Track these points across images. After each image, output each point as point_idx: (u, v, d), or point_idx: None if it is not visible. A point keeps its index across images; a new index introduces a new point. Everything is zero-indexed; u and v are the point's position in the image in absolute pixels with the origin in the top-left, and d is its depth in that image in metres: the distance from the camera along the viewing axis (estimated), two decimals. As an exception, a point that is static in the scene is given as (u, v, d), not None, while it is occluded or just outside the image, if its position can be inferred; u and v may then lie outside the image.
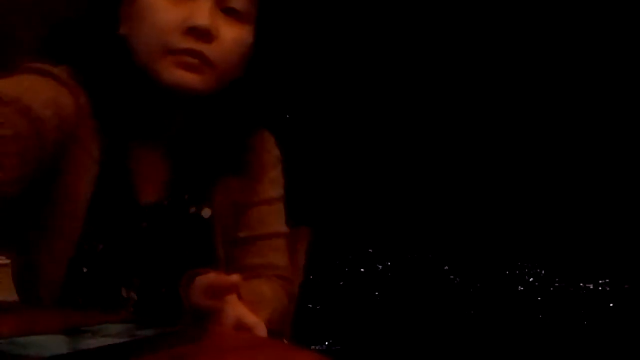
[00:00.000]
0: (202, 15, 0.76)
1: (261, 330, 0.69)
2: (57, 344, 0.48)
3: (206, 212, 0.86)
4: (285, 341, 0.85)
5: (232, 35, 0.79)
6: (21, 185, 0.68)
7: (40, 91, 0.72)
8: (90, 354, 0.46)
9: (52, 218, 0.75)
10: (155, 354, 0.50)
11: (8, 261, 0.83)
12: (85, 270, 0.77)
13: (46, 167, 0.72)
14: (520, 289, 13.43)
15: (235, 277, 0.68)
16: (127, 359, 0.47)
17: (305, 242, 1.34)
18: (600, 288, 12.97)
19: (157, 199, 0.83)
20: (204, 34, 0.77)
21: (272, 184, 0.93)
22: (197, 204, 0.85)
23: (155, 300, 0.82)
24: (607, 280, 12.94)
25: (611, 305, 12.60)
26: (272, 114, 0.94)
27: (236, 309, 0.69)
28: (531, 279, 13.54)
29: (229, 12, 0.79)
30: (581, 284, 13.01)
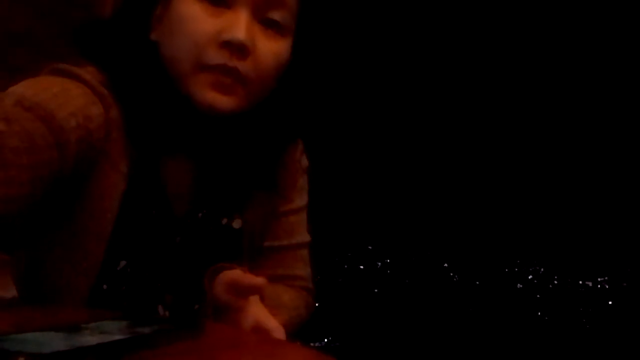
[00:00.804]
0: (239, 28, 0.72)
1: (280, 334, 0.68)
2: (55, 340, 0.46)
3: (237, 223, 0.82)
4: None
5: (269, 50, 0.75)
6: (31, 202, 0.61)
7: (69, 98, 0.67)
8: (88, 350, 0.45)
9: (76, 235, 0.72)
10: (154, 350, 0.52)
11: (7, 257, 0.82)
12: (105, 287, 0.75)
13: (67, 184, 0.66)
14: (520, 287, 13.45)
15: (261, 280, 0.67)
16: (126, 355, 0.46)
17: None
18: (599, 286, 13.00)
19: (189, 212, 0.80)
20: (240, 49, 0.72)
21: (300, 193, 0.90)
22: (229, 216, 0.83)
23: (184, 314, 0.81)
24: (606, 278, 12.97)
25: (610, 302, 12.62)
26: (305, 125, 0.91)
27: (257, 311, 0.68)
28: (530, 277, 13.57)
29: (268, 24, 0.74)
30: (580, 282, 13.04)
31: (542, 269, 13.61)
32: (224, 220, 0.85)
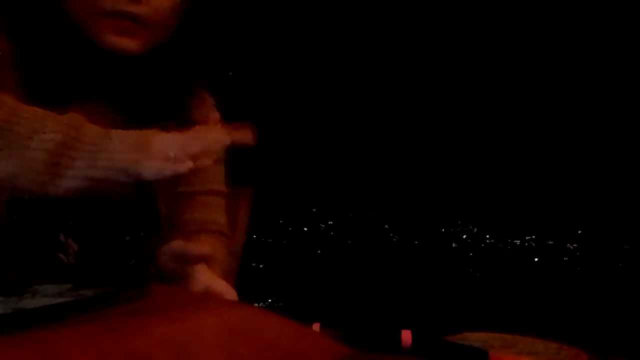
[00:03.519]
0: None
1: (232, 295, 0.78)
2: (-5, 304, 0.44)
3: None
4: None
5: None
6: None
7: None
8: (30, 313, 0.44)
9: None
10: (97, 313, 0.49)
11: None
12: (15, 216, 0.80)
13: None
14: (454, 246, 14.03)
15: (207, 248, 0.76)
16: (68, 318, 0.45)
17: (248, 202, 1.41)
18: (526, 244, 13.75)
19: None
20: None
21: None
22: None
23: (97, 252, 0.83)
24: (533, 237, 13.74)
25: (536, 259, 13.42)
26: (211, 70, 0.97)
27: (206, 276, 0.78)
28: (464, 236, 14.16)
29: None
30: (509, 240, 13.73)
31: (475, 229, 14.22)
32: None
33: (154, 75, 0.90)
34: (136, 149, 0.68)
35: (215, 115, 1.01)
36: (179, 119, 0.90)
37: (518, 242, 13.50)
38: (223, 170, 1.02)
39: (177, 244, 0.79)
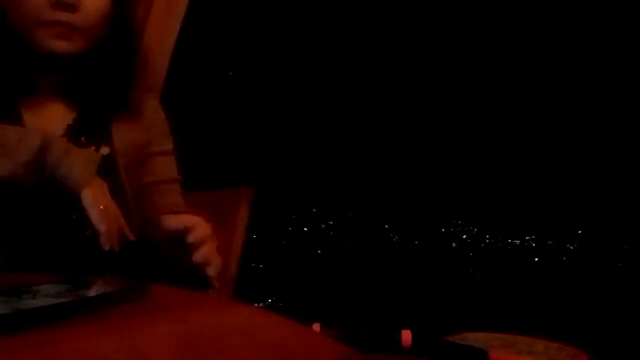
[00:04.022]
0: None
1: (205, 227, 0.85)
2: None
3: (104, 150, 1.00)
4: None
5: (93, 4, 0.97)
6: None
7: None
8: (30, 313, 0.44)
9: None
10: (97, 313, 0.49)
11: None
12: None
13: None
14: (454, 245, 14.06)
15: (195, 218, 0.84)
16: (68, 318, 0.46)
17: (248, 202, 1.41)
18: (526, 244, 13.77)
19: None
20: (69, 6, 0.95)
21: (168, 139, 1.12)
22: (95, 144, 1.00)
23: (65, 224, 0.94)
24: (533, 237, 13.76)
25: (536, 259, 13.44)
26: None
27: (176, 217, 0.85)
28: (464, 236, 14.19)
29: None
30: (509, 240, 13.76)
31: (475, 229, 14.24)
32: (91, 148, 0.98)
33: (94, 71, 1.05)
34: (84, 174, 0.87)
35: (162, 114, 1.17)
36: (123, 108, 1.07)
37: (518, 242, 13.52)
38: (175, 160, 1.17)
39: (169, 219, 0.87)
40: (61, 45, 0.95)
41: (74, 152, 0.88)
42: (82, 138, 1.00)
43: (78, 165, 0.86)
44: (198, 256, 0.83)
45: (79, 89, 1.02)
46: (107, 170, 0.96)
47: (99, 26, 0.99)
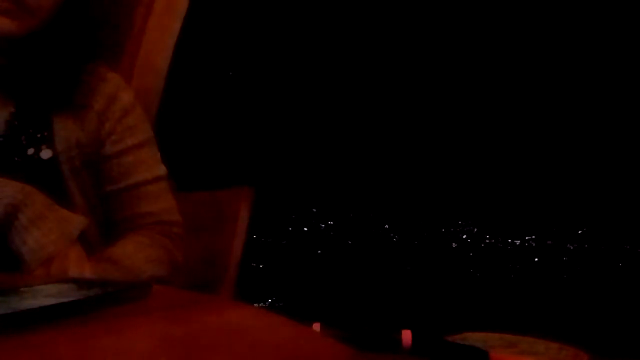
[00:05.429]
0: None
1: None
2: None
3: (46, 154, 0.88)
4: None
5: None
6: None
7: None
8: (30, 313, 0.44)
9: None
10: (97, 313, 0.49)
11: None
12: None
13: None
14: (454, 246, 14.05)
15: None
16: (68, 318, 0.45)
17: (248, 202, 1.40)
18: (526, 244, 13.77)
19: None
20: None
21: (131, 131, 0.95)
22: (35, 145, 0.87)
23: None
24: (533, 237, 13.76)
25: (536, 259, 13.44)
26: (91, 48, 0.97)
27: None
28: (464, 236, 14.19)
29: None
30: (509, 240, 13.76)
31: (475, 229, 14.23)
32: (31, 151, 0.91)
33: (37, 58, 0.92)
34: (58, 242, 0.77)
35: (126, 97, 0.98)
36: (67, 103, 0.91)
37: (518, 242, 13.52)
38: (150, 153, 1.00)
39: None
40: (7, 23, 0.85)
41: (48, 219, 0.77)
42: (22, 138, 0.87)
43: (45, 239, 0.75)
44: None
45: (15, 78, 0.90)
46: (50, 177, 0.86)
47: (49, 7, 0.88)
